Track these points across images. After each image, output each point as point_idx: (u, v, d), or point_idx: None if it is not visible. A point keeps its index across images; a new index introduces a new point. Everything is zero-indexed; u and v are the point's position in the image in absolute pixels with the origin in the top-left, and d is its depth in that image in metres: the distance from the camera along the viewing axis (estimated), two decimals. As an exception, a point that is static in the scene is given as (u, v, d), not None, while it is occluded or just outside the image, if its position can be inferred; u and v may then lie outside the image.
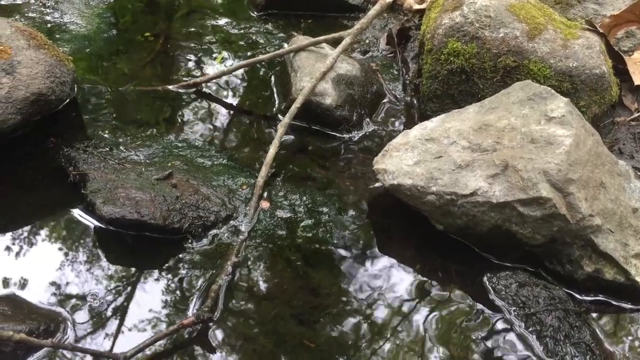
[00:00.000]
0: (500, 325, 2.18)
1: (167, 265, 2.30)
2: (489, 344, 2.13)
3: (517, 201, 2.23)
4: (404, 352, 2.11)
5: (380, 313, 2.22)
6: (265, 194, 2.59)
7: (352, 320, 2.19)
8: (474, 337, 2.15)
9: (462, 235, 2.40)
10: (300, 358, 2.07)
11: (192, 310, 2.15)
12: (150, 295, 2.21)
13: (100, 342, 2.03)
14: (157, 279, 2.26)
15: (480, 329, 2.18)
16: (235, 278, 2.27)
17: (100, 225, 2.37)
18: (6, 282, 2.16)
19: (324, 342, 2.12)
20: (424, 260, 2.42)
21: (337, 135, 2.93)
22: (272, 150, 2.67)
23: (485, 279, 2.29)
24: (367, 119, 3.00)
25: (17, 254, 2.29)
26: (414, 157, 2.45)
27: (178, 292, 2.23)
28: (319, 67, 2.95)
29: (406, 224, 2.52)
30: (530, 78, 2.69)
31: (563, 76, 2.72)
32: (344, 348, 2.11)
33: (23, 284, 2.16)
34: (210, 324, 2.12)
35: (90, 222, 2.39)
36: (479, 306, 2.24)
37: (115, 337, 2.06)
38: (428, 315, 2.23)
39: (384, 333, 2.16)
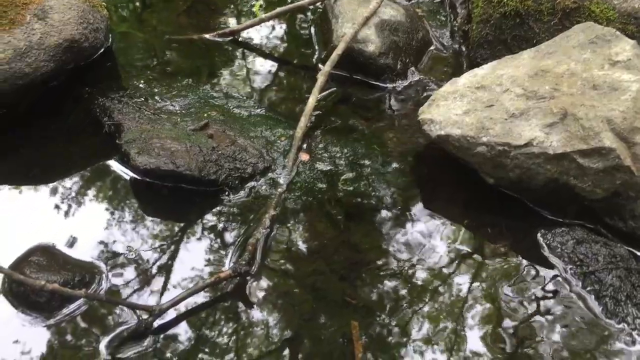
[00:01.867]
0: (555, 284, 2.04)
1: (203, 218, 2.23)
2: (543, 303, 2.00)
3: (577, 152, 2.06)
4: (448, 312, 1.99)
5: (424, 270, 2.10)
6: (304, 146, 2.47)
7: (394, 277, 2.09)
8: (526, 297, 2.02)
9: (515, 189, 2.25)
10: (341, 314, 1.98)
11: (229, 263, 2.08)
12: (186, 248, 2.14)
13: (134, 295, 1.98)
14: (194, 232, 2.19)
15: (533, 288, 2.04)
16: (274, 232, 2.18)
17: (136, 176, 2.30)
18: (42, 234, 2.11)
19: (366, 298, 2.02)
20: (472, 215, 2.28)
21: (380, 85, 2.78)
22: (312, 100, 2.55)
23: (539, 235, 2.15)
24: (412, 68, 2.84)
25: (53, 205, 2.24)
26: (463, 106, 2.29)
27: (215, 245, 2.15)
28: (362, 13, 2.79)
29: (453, 178, 2.38)
30: (592, 20, 2.48)
31: (628, 18, 2.50)
32: (386, 305, 2.01)
33: (58, 235, 2.11)
34: (248, 277, 2.04)
35: (126, 173, 2.33)
36: (532, 264, 2.10)
37: (150, 289, 2.00)
38: (476, 273, 2.11)
39: (427, 291, 2.05)
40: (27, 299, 1.89)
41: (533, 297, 2.02)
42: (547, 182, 2.15)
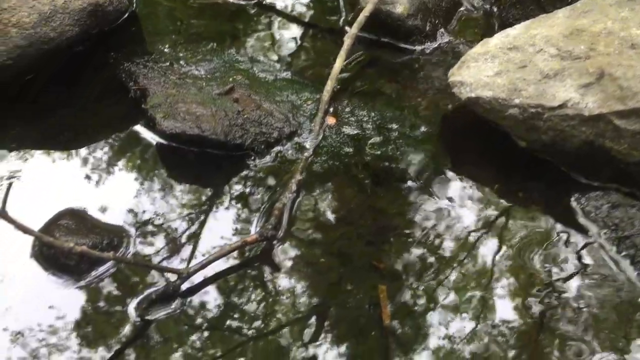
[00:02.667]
0: (589, 249, 1.99)
1: (229, 182, 2.22)
2: (576, 269, 1.96)
3: (614, 113, 1.99)
4: (477, 278, 1.96)
5: (453, 236, 2.07)
6: (331, 110, 2.43)
7: (422, 243, 2.06)
8: (559, 262, 1.98)
9: (548, 152, 2.19)
10: (368, 278, 1.96)
11: (255, 228, 2.06)
12: (213, 213, 2.13)
13: (162, 259, 1.98)
14: (220, 197, 2.19)
15: (566, 253, 2.00)
16: (300, 196, 2.16)
17: (162, 141, 2.29)
18: (70, 198, 2.13)
19: (393, 263, 2.00)
20: (504, 180, 2.23)
21: (409, 47, 2.71)
22: (339, 63, 2.49)
23: (572, 200, 2.09)
24: (442, 30, 2.76)
25: (81, 171, 2.25)
26: (494, 67, 2.22)
27: (241, 210, 2.14)
28: (390, -27, 2.71)
29: (484, 142, 2.32)
30: (631, -24, 2.36)
31: (670, -27, 2.38)
32: (414, 270, 1.98)
33: (86, 200, 2.12)
34: (274, 242, 2.03)
35: (152, 138, 2.32)
36: (566, 229, 2.05)
37: (178, 253, 2.01)
38: (506, 239, 2.06)
39: (456, 257, 2.02)
40: (56, 262, 1.91)
41: (566, 263, 1.97)
42: (581, 145, 2.08)
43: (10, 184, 1.68)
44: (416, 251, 2.04)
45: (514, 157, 2.24)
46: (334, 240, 2.06)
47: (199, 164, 2.25)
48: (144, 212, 2.12)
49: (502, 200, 2.18)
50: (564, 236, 2.04)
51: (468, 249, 2.04)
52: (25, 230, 1.61)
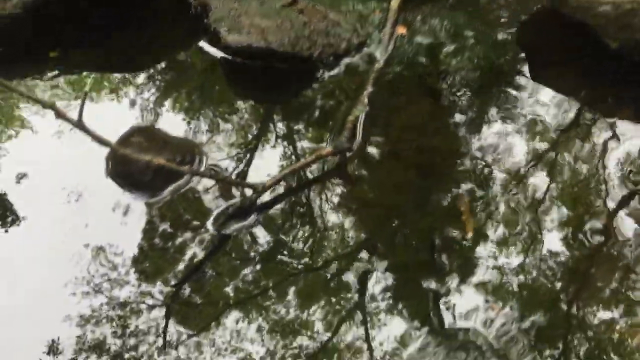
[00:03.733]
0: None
1: (299, 96, 2.14)
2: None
3: None
4: (563, 185, 1.85)
5: (534, 144, 1.95)
6: (401, 19, 2.30)
7: (503, 150, 1.95)
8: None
9: (642, 53, 2.02)
10: (447, 190, 1.88)
11: (328, 142, 1.99)
12: (285, 128, 2.07)
13: (236, 174, 1.94)
14: (290, 111, 2.12)
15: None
16: (373, 109, 2.06)
17: (227, 56, 2.21)
18: (139, 116, 2.10)
19: (471, 177, 1.91)
20: (590, 85, 2.08)
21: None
22: (407, -32, 2.33)
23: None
24: None
25: (147, 89, 2.21)
26: (582, -39, 2.03)
27: (312, 124, 2.07)
28: None
29: (567, 45, 2.16)
30: None
31: None
32: (494, 180, 1.89)
33: (155, 117, 2.09)
34: (348, 155, 1.96)
35: (216, 54, 2.24)
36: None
37: (251, 169, 1.96)
38: (593, 149, 1.93)
39: (543, 164, 1.91)
40: (131, 179, 1.89)
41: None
42: (681, 43, 1.90)
43: (85, 95, 1.63)
44: (497, 158, 1.94)
45: (604, 60, 2.07)
46: (409, 150, 1.98)
47: (266, 78, 2.18)
48: (213, 129, 2.07)
49: (589, 108, 2.04)
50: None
51: (551, 156, 1.93)
52: (102, 141, 1.58)
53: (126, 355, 1.56)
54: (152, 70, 2.25)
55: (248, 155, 1.99)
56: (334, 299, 1.65)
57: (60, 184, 1.88)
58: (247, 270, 1.74)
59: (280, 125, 2.08)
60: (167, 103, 2.16)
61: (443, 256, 1.73)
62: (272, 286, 1.69)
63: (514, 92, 2.10)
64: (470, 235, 1.77)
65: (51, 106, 1.62)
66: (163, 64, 2.27)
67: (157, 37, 2.36)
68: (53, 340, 1.57)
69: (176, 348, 1.57)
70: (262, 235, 1.81)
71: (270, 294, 1.68)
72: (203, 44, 2.28)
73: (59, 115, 1.54)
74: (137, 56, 2.31)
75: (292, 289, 1.68)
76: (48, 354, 1.55)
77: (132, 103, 2.16)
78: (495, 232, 1.78)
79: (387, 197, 1.88)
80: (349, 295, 1.66)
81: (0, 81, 1.96)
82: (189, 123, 2.09)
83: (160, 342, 1.58)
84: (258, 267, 1.75)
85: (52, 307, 1.63)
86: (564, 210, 1.81)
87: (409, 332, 1.57)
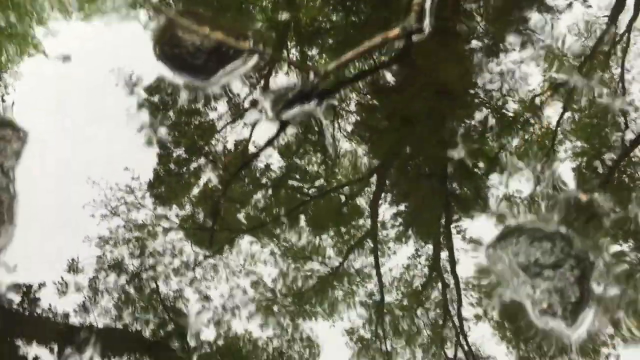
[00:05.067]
0: None
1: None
2: None
3: None
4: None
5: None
6: None
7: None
8: None
9: None
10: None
11: (396, 24, 1.82)
12: (350, 6, 1.89)
13: (296, 59, 1.80)
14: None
15: None
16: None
17: None
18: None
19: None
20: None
21: None
22: None
23: None
24: None
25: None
26: None
27: (377, 6, 1.89)
28: None
29: None
30: None
31: None
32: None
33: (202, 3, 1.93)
34: (416, 38, 1.79)
35: None
36: None
37: (310, 51, 1.81)
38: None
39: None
40: (183, 62, 1.76)
41: None
42: None
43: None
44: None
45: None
46: (479, 33, 1.81)
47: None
48: (269, 12, 1.90)
49: None
50: None
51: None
52: (160, 11, 1.44)
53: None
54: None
55: (309, 38, 1.83)
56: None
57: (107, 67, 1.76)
58: (308, 159, 1.64)
59: (342, 5, 1.90)
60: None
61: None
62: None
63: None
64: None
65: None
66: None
67: None
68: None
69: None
70: (323, 125, 1.68)
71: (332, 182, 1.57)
72: None
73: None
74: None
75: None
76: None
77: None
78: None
79: (451, 74, 1.73)
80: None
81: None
82: (242, 8, 1.92)
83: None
84: (319, 156, 1.63)
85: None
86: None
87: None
